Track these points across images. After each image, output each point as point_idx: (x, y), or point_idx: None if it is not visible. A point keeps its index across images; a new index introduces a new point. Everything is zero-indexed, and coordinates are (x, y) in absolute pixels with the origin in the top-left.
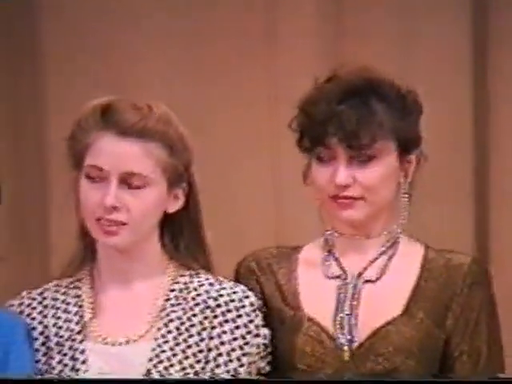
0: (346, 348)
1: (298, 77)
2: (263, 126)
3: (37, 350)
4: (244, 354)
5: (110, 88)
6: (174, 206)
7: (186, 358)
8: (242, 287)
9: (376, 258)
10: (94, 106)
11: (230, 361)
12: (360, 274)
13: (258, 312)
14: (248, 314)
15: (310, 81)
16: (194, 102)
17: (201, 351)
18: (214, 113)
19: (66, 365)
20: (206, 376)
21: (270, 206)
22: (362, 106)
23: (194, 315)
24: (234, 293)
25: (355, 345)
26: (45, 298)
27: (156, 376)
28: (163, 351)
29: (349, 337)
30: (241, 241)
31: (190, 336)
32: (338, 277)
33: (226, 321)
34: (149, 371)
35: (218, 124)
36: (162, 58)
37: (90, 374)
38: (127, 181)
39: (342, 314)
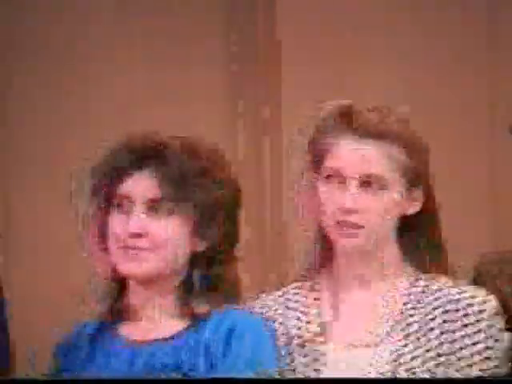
0: None
1: None
2: (482, 132)
3: (279, 351)
4: (486, 359)
5: (333, 90)
6: (412, 209)
7: (426, 361)
8: (483, 291)
9: None
10: (333, 109)
11: (471, 365)
12: None
13: (499, 316)
14: (489, 319)
15: None
16: (413, 105)
17: (441, 355)
18: (434, 117)
19: (307, 365)
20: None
21: (485, 211)
22: None
23: (433, 319)
24: (475, 297)
25: None
26: (286, 300)
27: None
28: (403, 354)
29: None
30: (453, 247)
31: (430, 340)
32: None
33: (466, 325)
34: (389, 373)
35: (436, 128)
36: (385, 60)
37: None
38: (366, 183)
39: None
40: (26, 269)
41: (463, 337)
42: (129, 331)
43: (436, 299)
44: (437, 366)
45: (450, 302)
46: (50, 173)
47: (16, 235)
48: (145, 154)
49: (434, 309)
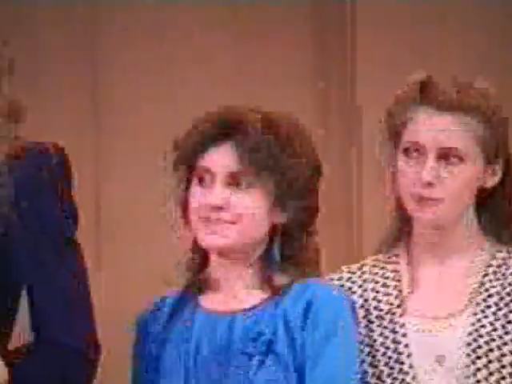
0: None
1: None
2: None
3: (358, 323)
4: None
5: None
6: (491, 182)
7: (507, 333)
8: None
9: None
10: (412, 81)
11: None
12: None
13: None
14: None
15: None
16: (492, 78)
17: None
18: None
19: (386, 337)
20: None
21: None
22: None
23: None
24: None
25: None
26: (364, 273)
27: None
28: (483, 326)
29: None
30: None
31: (510, 311)
32: None
33: None
34: (468, 345)
35: None
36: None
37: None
38: (444, 156)
39: None
40: (117, 247)
41: None
42: (210, 302)
43: None
44: None
45: None
46: (139, 152)
47: (106, 215)
48: (226, 128)
49: None
